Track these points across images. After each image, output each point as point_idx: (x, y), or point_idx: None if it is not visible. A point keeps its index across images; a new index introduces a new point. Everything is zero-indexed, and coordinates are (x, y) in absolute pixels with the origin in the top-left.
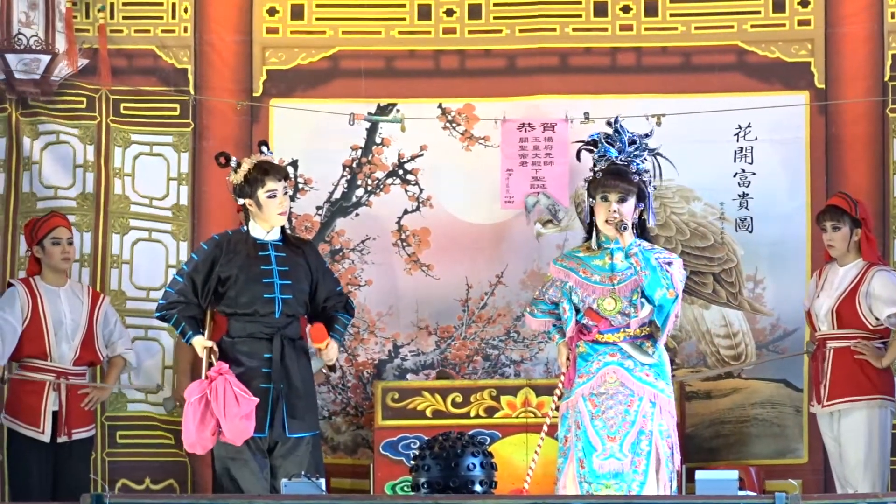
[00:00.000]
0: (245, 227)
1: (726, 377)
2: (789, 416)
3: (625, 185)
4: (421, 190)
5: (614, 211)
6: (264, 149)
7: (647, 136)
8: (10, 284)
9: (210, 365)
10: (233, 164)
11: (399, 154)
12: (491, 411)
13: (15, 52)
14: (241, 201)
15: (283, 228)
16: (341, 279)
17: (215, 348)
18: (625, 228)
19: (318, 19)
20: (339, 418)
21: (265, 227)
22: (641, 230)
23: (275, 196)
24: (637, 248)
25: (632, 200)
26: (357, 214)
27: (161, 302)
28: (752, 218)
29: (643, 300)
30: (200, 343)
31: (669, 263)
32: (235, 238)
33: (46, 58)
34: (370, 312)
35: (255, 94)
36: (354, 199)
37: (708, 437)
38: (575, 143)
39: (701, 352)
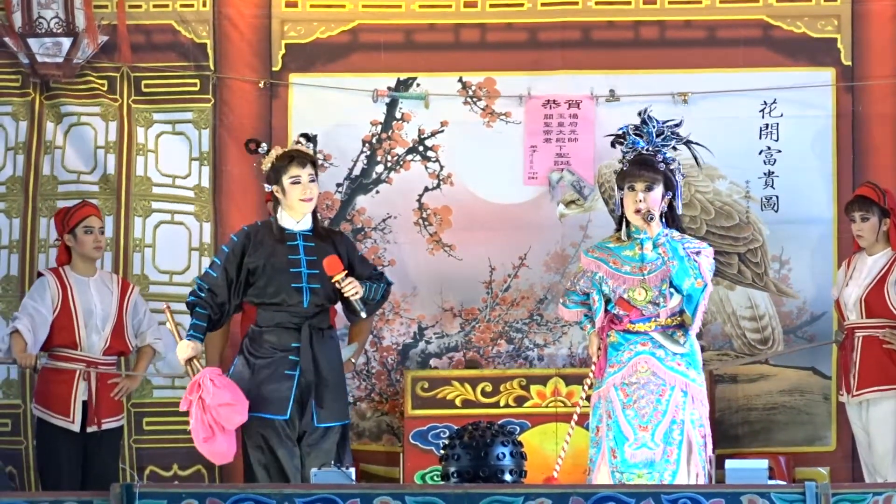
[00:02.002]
0: (274, 217)
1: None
2: (818, 404)
3: (650, 174)
4: (442, 167)
5: (640, 200)
6: (302, 140)
7: (677, 125)
8: (40, 274)
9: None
10: (262, 150)
11: (419, 130)
12: (520, 401)
13: (36, 36)
14: (269, 188)
15: (314, 219)
16: None
17: (196, 360)
18: (651, 218)
19: None
20: (364, 404)
21: (294, 217)
22: (673, 219)
23: (298, 182)
24: (665, 239)
25: (659, 189)
26: (377, 192)
27: (190, 299)
28: (777, 197)
29: (672, 290)
30: (183, 350)
31: (697, 253)
32: (264, 229)
33: (67, 41)
34: (395, 294)
35: (273, 69)
36: (374, 176)
37: (735, 424)
38: (607, 136)
39: (727, 334)
